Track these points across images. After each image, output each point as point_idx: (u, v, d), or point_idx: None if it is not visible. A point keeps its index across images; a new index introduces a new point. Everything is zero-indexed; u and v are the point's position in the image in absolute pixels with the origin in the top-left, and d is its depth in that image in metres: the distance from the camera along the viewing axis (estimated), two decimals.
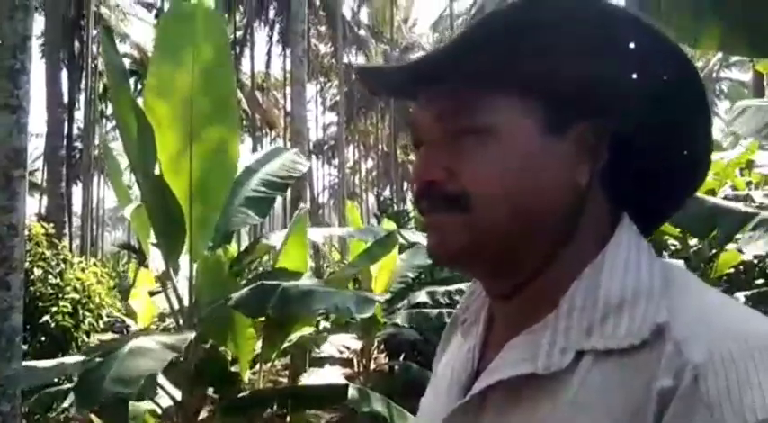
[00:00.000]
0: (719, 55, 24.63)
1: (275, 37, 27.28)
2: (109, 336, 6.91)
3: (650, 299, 0.49)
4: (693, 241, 4.91)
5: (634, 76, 0.54)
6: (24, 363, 3.16)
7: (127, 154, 2.84)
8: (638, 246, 0.54)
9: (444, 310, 5.60)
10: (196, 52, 2.76)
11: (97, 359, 2.23)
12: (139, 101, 3.01)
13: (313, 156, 32.42)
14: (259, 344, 3.67)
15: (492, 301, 0.61)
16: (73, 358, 2.99)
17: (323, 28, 28.89)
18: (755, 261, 4.49)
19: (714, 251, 4.65)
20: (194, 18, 2.71)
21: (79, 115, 24.24)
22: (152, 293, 5.49)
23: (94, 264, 6.43)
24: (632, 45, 0.53)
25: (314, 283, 2.64)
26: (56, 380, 4.65)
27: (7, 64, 3.13)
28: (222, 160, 2.98)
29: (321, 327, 5.50)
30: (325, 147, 37.63)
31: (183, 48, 2.77)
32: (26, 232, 5.44)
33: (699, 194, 2.69)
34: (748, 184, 4.98)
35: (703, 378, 0.43)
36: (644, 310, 0.49)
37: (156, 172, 2.94)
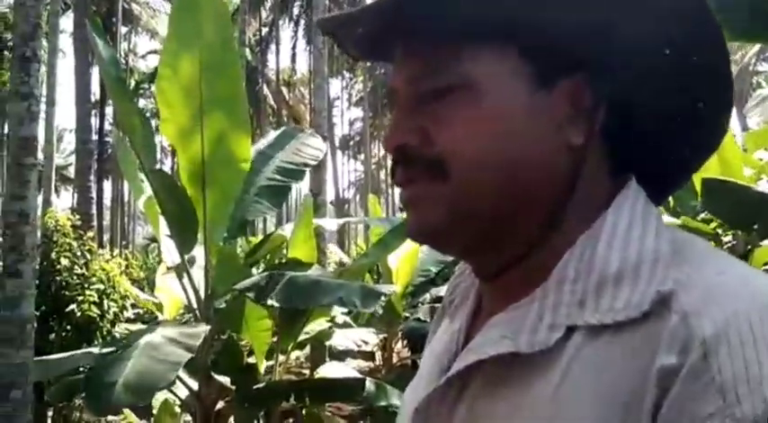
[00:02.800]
0: (756, 47, 23.88)
1: (300, 32, 27.39)
2: (137, 326, 7.02)
3: (654, 268, 0.42)
4: (727, 238, 4.73)
5: (638, 22, 0.46)
6: (39, 358, 3.19)
7: (132, 148, 2.84)
8: (645, 212, 0.47)
9: None
10: (202, 41, 2.74)
11: (109, 357, 2.21)
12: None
13: (339, 151, 32.53)
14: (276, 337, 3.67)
15: (480, 282, 0.55)
16: (86, 350, 3.01)
17: None
18: None
19: (749, 247, 4.47)
20: (200, 7, 2.68)
21: (110, 111, 24.73)
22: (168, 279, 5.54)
23: (119, 255, 6.52)
24: None
25: (323, 275, 2.60)
26: (79, 368, 4.73)
27: (18, 51, 3.13)
28: (234, 149, 2.96)
29: (341, 320, 5.48)
30: (351, 142, 37.72)
31: (190, 37, 2.75)
32: (52, 223, 5.55)
33: (744, 183, 2.51)
34: None
35: (714, 355, 0.36)
36: (646, 280, 0.42)
37: (168, 164, 2.93)
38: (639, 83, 0.49)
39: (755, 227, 2.21)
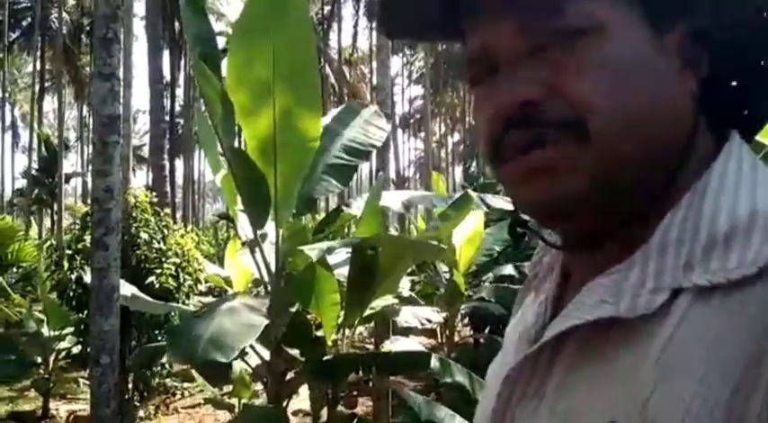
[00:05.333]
0: None
1: (361, 10, 27.31)
2: (208, 299, 7.36)
3: None
4: None
5: None
6: (135, 291, 3.43)
7: (212, 125, 2.93)
8: (753, 165, 0.43)
9: None
10: (278, 27, 2.75)
11: (194, 316, 2.34)
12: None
13: (399, 129, 32.47)
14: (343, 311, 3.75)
15: (568, 253, 0.51)
16: (178, 305, 3.21)
17: None
18: None
19: None
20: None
21: (181, 93, 25.64)
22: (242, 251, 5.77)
23: (192, 230, 6.81)
24: None
25: None
26: (159, 339, 5.01)
27: (100, 33, 3.27)
28: (304, 128, 3.01)
29: (404, 296, 5.53)
30: (411, 120, 37.54)
31: (266, 23, 2.77)
32: (132, 200, 5.86)
33: None
34: None
35: None
36: (762, 236, 0.39)
37: (242, 143, 3.02)
38: (734, 32, 0.46)
39: None
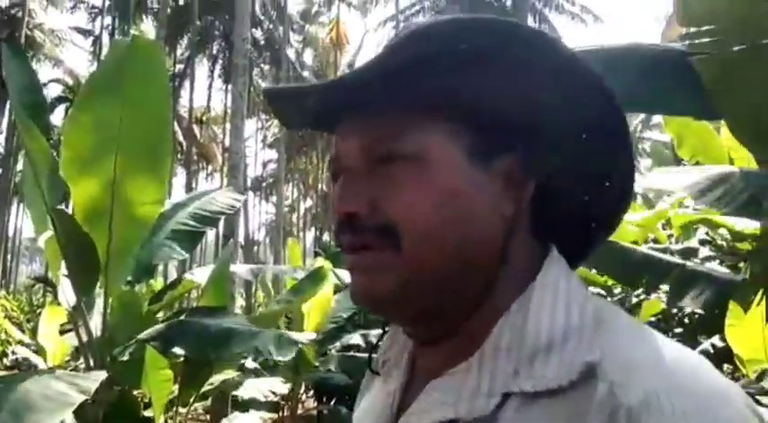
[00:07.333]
0: (642, 116, 26.35)
1: (217, 71, 27.09)
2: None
3: (581, 338, 0.46)
4: (617, 290, 5.10)
5: (562, 110, 0.52)
6: None
7: (37, 183, 2.63)
8: (568, 281, 0.51)
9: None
10: (132, 87, 2.59)
11: None
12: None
13: (251, 192, 31.97)
14: (177, 387, 3.45)
15: (416, 345, 0.56)
16: None
17: (266, 66, 28.97)
18: (675, 311, 4.69)
19: (636, 300, 4.84)
20: (135, 58, 2.56)
21: (2, 140, 23.01)
22: (62, 331, 5.09)
23: (1, 295, 5.96)
24: (561, 78, 0.51)
25: (236, 322, 2.49)
26: None
27: None
28: (147, 191, 2.83)
29: (248, 367, 5.25)
30: (264, 184, 37.21)
31: (119, 82, 2.60)
32: None
33: (628, 244, 2.79)
34: (669, 236, 5.26)
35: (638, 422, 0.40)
36: (574, 350, 0.46)
37: (69, 203, 2.75)
38: (562, 159, 0.54)
39: (643, 281, 2.42)
